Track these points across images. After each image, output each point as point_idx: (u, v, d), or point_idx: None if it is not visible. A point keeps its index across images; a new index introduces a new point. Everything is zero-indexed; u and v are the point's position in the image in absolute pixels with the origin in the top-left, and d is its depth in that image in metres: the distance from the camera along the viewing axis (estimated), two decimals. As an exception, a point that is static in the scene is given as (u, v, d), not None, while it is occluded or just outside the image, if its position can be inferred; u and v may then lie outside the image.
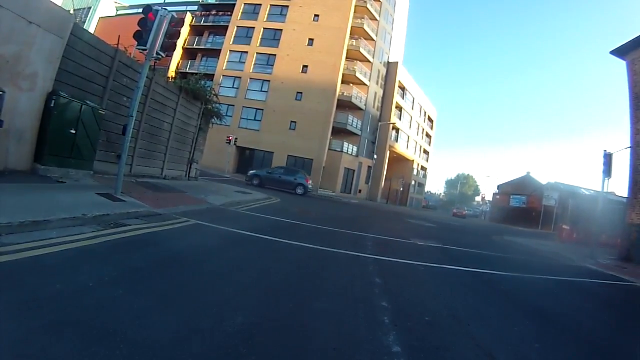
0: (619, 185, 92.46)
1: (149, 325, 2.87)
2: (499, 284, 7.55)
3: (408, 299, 5.12)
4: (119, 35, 10.99)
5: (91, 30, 39.72)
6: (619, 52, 16.64)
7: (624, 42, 16.35)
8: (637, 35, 15.59)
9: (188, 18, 43.53)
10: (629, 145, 15.96)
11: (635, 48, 15.86)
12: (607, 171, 14.78)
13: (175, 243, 5.83)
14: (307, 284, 4.93)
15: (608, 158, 14.74)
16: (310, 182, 27.47)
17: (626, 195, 16.86)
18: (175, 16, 8.92)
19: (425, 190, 79.27)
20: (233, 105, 38.56)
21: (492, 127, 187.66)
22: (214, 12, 44.18)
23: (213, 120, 18.16)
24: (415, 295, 5.41)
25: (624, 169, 16.44)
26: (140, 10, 8.67)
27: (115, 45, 10.65)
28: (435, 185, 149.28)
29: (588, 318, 5.98)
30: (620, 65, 16.92)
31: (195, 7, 45.90)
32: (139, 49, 8.59)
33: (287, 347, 2.95)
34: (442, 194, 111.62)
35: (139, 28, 8.25)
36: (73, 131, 8.73)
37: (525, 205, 52.94)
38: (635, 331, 5.77)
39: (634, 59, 15.93)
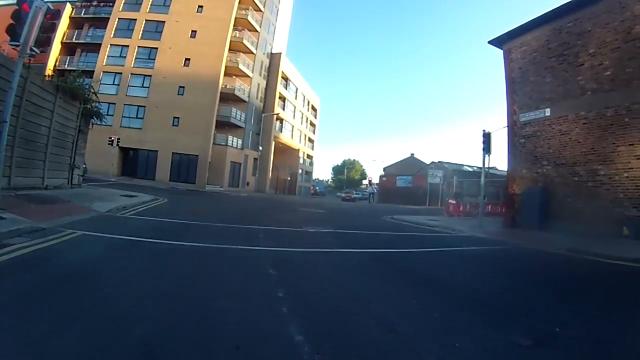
0: (501, 160, 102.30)
1: (47, 352, 2.68)
2: (395, 262, 7.78)
3: (305, 287, 5.15)
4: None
5: None
6: (497, 42, 18.23)
7: (500, 34, 17.96)
8: (512, 28, 17.29)
9: (67, 9, 39.78)
10: (507, 125, 17.65)
11: (510, 39, 17.52)
12: (487, 149, 16.21)
13: (64, 259, 5.53)
14: (201, 285, 4.82)
15: (487, 137, 16.19)
16: None
17: (506, 169, 18.51)
18: (52, 7, 8.09)
19: (313, 178, 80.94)
20: (114, 104, 36.60)
21: (376, 114, 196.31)
22: (94, 3, 40.68)
23: (93, 120, 17.14)
24: (311, 283, 5.45)
25: (504, 146, 18.10)
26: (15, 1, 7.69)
27: (-13, 42, 9.47)
28: (322, 173, 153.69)
29: (480, 282, 6.39)
30: (498, 54, 18.48)
31: (76, -3, 41.87)
32: (11, 44, 7.82)
33: (189, 353, 2.86)
34: (330, 180, 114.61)
35: (12, 21, 7.34)
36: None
37: (411, 185, 55.75)
38: (520, 286, 6.35)
39: (510, 48, 17.62)
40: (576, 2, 14.23)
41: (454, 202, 25.37)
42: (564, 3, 14.62)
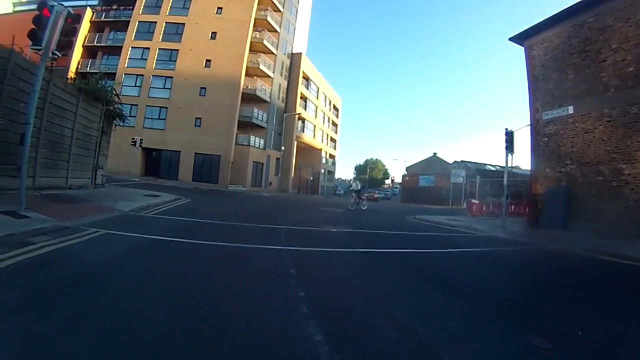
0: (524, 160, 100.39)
1: (62, 350, 2.68)
2: (414, 262, 7.68)
3: (324, 287, 5.15)
4: (14, 35, 9.93)
5: None
6: (518, 39, 17.97)
7: (521, 30, 17.63)
8: (534, 24, 16.93)
9: (88, 13, 40.45)
10: (529, 123, 17.35)
11: (531, 36, 17.23)
12: (510, 148, 15.92)
13: (86, 257, 5.55)
14: (221, 284, 4.82)
15: (510, 136, 15.90)
16: None
17: (530, 169, 18.24)
18: (72, 12, 8.24)
19: (336, 177, 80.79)
20: (136, 105, 37.06)
21: (398, 113, 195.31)
22: (115, 6, 41.33)
23: (116, 122, 17.34)
24: (332, 282, 5.44)
25: (527, 145, 17.81)
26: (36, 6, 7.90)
27: (10, 46, 9.85)
28: (345, 172, 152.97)
29: (501, 283, 6.31)
30: (519, 51, 18.19)
31: (96, 2, 42.69)
32: (33, 48, 7.94)
33: (206, 352, 2.85)
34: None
35: (33, 26, 7.53)
36: (-32, 146, 7.84)
37: (434, 185, 55.18)
38: (542, 287, 6.29)
39: (531, 45, 17.33)
40: (597, -3, 13.88)
41: (477, 202, 25.05)
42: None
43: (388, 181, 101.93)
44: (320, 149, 61.14)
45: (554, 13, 15.78)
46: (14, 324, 3.02)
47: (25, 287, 3.91)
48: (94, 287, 4.22)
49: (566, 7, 15.19)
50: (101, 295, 3.92)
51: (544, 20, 16.33)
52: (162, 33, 38.85)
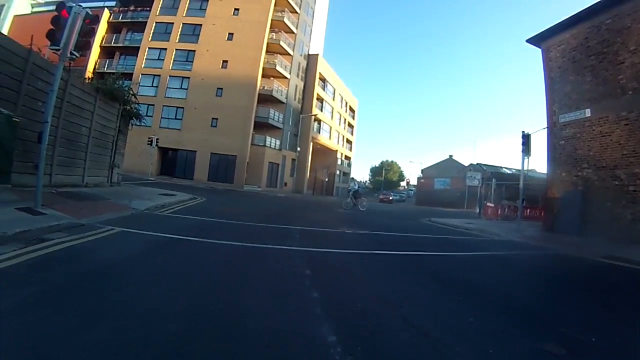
0: (540, 163, 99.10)
1: (79, 345, 2.72)
2: (429, 265, 7.60)
3: (339, 288, 5.13)
4: (32, 35, 10.14)
5: (5, 29, 36.91)
6: (535, 40, 17.73)
7: (538, 32, 17.41)
8: (551, 25, 16.73)
9: (106, 15, 41.03)
10: (546, 126, 17.12)
11: (549, 37, 16.99)
12: (526, 150, 15.74)
13: (101, 254, 5.61)
14: (236, 283, 4.84)
15: (527, 138, 15.73)
16: None
17: (546, 172, 17.97)
18: (90, 13, 8.36)
19: (351, 179, 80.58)
20: (153, 105, 37.40)
21: (415, 115, 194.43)
22: (132, 7, 41.83)
23: (133, 121, 17.52)
24: (346, 284, 5.41)
25: (544, 148, 17.55)
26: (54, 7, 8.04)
27: (29, 46, 10.03)
28: (360, 174, 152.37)
29: (516, 287, 6.26)
30: (537, 53, 17.97)
31: (114, 3, 43.29)
32: (52, 49, 8.06)
33: (221, 350, 2.88)
34: (368, 182, 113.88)
35: (52, 27, 7.66)
36: (-14, 143, 8.00)
37: (449, 187, 54.92)
38: (557, 293, 6.18)
39: (548, 47, 17.09)
40: (614, -3, 13.64)
41: (492, 205, 24.81)
42: (602, -1, 14.08)
43: (403, 183, 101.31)
44: (336, 151, 60.96)
45: (571, 14, 15.57)
46: (32, 318, 3.06)
47: (42, 283, 3.97)
48: (110, 283, 4.26)
49: (583, 8, 14.98)
50: (117, 292, 3.97)
51: (561, 22, 16.09)
52: (179, 34, 39.16)
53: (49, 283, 3.99)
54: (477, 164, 54.09)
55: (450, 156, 64.27)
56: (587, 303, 5.54)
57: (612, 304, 5.55)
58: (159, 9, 40.03)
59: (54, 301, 3.52)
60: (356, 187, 25.47)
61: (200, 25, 38.96)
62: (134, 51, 39.76)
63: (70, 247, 5.66)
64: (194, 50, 38.58)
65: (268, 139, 39.88)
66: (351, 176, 62.72)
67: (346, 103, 65.39)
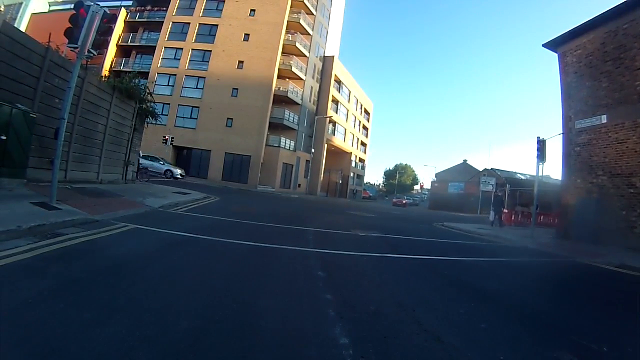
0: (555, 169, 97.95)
1: (93, 338, 2.74)
2: (442, 269, 7.56)
3: (352, 290, 5.09)
4: (50, 33, 10.32)
5: (23, 27, 37.61)
6: (551, 45, 17.48)
7: (555, 36, 17.16)
8: (568, 30, 16.45)
9: (122, 14, 41.62)
10: (561, 132, 16.88)
11: (565, 42, 16.74)
12: (541, 156, 15.51)
13: (115, 250, 5.63)
14: (250, 283, 4.83)
15: (542, 144, 15.49)
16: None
17: (560, 178, 17.74)
18: (108, 12, 8.47)
19: (365, 182, 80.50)
20: (168, 104, 37.77)
21: (430, 119, 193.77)
22: (149, 7, 42.42)
23: (148, 120, 17.67)
24: (359, 286, 5.38)
25: (559, 154, 17.29)
26: (72, 6, 8.17)
27: (47, 44, 10.16)
28: (374, 177, 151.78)
29: (529, 294, 6.18)
30: (553, 57, 17.74)
31: (130, 3, 43.88)
32: (70, 47, 8.17)
33: (234, 348, 2.88)
34: (382, 185, 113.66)
35: (70, 25, 7.77)
36: (4, 137, 8.23)
37: (463, 192, 54.55)
38: (569, 301, 6.10)
39: (565, 51, 16.82)
40: (631, 2, 13.37)
41: (506, 211, 24.57)
42: (618, 3, 13.80)
43: (417, 187, 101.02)
44: (350, 153, 60.88)
45: (588, 19, 15.33)
46: (48, 311, 3.10)
47: (57, 276, 4.02)
48: (124, 279, 4.28)
49: (600, 13, 14.71)
50: (131, 288, 3.99)
51: (578, 27, 15.82)
52: (195, 34, 39.52)
53: (64, 277, 4.05)
54: (492, 168, 53.70)
55: (465, 161, 64.14)
56: (600, 312, 5.44)
57: (624, 314, 5.43)
58: (175, 9, 40.48)
59: (69, 295, 3.56)
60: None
61: (217, 25, 39.30)
62: (150, 50, 40.24)
63: (84, 242, 5.71)
64: (210, 51, 38.90)
65: (283, 139, 39.94)
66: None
67: (361, 105, 65.30)
